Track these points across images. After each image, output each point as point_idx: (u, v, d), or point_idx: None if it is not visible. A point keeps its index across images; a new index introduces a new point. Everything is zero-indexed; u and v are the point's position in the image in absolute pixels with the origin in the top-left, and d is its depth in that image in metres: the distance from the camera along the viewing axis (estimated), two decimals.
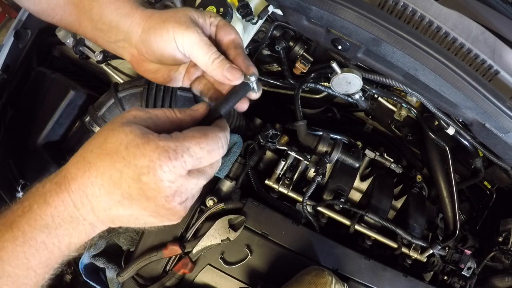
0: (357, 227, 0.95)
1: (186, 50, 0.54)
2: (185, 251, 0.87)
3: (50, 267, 0.48)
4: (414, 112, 1.00)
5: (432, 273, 1.02)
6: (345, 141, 1.03)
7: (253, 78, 0.54)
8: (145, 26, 0.56)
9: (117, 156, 0.43)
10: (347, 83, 0.83)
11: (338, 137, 1.01)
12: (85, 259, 1.01)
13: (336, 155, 0.92)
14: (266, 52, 1.05)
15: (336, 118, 1.26)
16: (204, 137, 0.46)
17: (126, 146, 0.43)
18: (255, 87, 0.56)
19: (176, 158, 0.43)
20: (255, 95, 0.58)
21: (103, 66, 1.03)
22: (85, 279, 1.02)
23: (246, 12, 0.81)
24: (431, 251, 0.96)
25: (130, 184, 0.43)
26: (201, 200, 0.88)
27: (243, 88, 0.55)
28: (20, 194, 0.94)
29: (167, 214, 0.47)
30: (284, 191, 0.95)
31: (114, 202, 0.45)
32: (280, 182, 0.95)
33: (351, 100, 0.95)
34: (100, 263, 0.99)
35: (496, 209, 1.17)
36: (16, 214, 0.46)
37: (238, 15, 0.83)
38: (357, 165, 0.83)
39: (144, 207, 0.45)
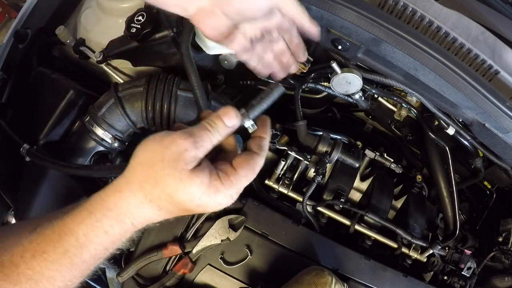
0: (357, 227, 0.95)
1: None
2: (185, 251, 0.87)
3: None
4: (414, 112, 1.00)
5: (432, 273, 1.02)
6: (345, 141, 1.03)
7: None
8: None
9: (190, 203, 0.50)
10: (347, 83, 0.83)
11: (338, 137, 1.01)
12: None
13: (336, 155, 0.92)
14: None
15: (336, 118, 1.25)
16: (253, 174, 0.53)
17: (200, 196, 0.49)
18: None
19: (234, 198, 0.53)
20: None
21: (103, 66, 1.03)
22: (85, 278, 1.02)
23: None
24: (431, 251, 0.96)
25: (197, 211, 0.52)
26: None
27: (277, 90, 0.53)
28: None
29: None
30: (284, 191, 0.95)
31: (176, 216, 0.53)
32: (280, 182, 0.95)
33: (351, 100, 0.95)
34: (100, 263, 0.99)
35: (496, 209, 1.17)
36: (68, 243, 0.50)
37: None
38: (357, 165, 0.84)
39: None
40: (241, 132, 0.53)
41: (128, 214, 0.50)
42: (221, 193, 0.51)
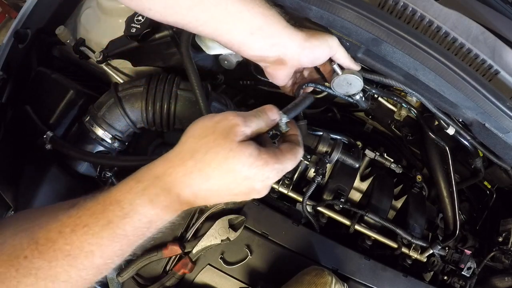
0: (357, 227, 0.95)
1: (336, 54, 0.73)
2: (185, 251, 0.87)
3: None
4: (414, 112, 1.00)
5: (432, 273, 1.02)
6: (345, 141, 1.03)
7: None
8: (303, 37, 0.69)
9: (239, 175, 0.51)
10: (348, 84, 0.83)
11: (338, 137, 1.01)
12: None
13: (336, 156, 0.92)
14: None
15: (336, 118, 1.26)
16: (295, 160, 0.56)
17: (249, 167, 0.51)
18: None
19: (280, 175, 0.54)
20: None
21: (103, 66, 1.03)
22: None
23: None
24: (431, 251, 0.96)
25: (242, 190, 0.53)
26: None
27: (309, 98, 0.66)
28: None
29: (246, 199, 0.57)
30: (284, 191, 0.95)
31: (219, 198, 0.54)
32: (280, 182, 0.95)
33: (351, 100, 0.95)
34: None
35: (496, 209, 1.17)
36: (113, 214, 0.50)
37: None
38: (357, 165, 0.84)
39: (239, 199, 0.55)
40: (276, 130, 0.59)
41: (176, 183, 0.51)
42: (269, 166, 0.52)
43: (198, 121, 0.54)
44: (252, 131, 0.53)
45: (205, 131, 0.52)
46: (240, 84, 1.09)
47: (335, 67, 0.76)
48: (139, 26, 0.86)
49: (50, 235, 0.50)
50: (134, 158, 0.88)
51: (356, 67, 0.77)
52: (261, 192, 0.55)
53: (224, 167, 0.50)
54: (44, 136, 0.90)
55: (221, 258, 0.87)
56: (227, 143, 0.50)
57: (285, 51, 0.69)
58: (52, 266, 0.49)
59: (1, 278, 0.47)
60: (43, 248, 0.49)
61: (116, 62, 1.05)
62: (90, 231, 0.49)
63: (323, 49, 0.71)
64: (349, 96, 0.84)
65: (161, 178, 0.51)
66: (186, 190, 0.51)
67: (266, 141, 0.56)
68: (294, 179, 0.97)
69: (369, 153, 1.05)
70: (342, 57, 0.75)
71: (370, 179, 1.06)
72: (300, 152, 0.57)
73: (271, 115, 0.57)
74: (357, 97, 0.86)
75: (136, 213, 0.50)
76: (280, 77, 0.75)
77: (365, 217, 0.96)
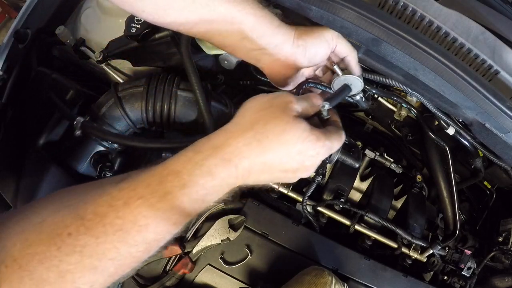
0: (357, 227, 0.95)
1: (337, 47, 0.70)
2: (185, 251, 0.87)
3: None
4: (414, 112, 1.00)
5: (432, 273, 1.02)
6: (345, 141, 1.03)
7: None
8: (297, 35, 0.68)
9: (293, 148, 0.53)
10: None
11: None
12: None
13: (336, 156, 0.92)
14: None
15: None
16: (341, 141, 0.61)
17: (303, 141, 0.53)
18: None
19: (328, 153, 0.58)
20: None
21: (103, 66, 1.02)
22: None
23: None
24: (431, 251, 0.96)
25: (293, 166, 0.55)
26: None
27: (348, 89, 0.70)
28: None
29: (293, 181, 0.59)
30: (284, 191, 0.95)
31: (269, 174, 0.55)
32: (280, 182, 0.95)
33: (351, 100, 0.95)
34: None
35: (496, 209, 1.17)
36: (171, 184, 0.49)
37: None
38: (357, 165, 0.84)
39: (286, 177, 0.57)
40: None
41: (236, 153, 0.51)
42: (321, 141, 0.55)
43: (253, 98, 0.57)
44: (302, 109, 0.57)
45: (262, 104, 0.55)
46: (240, 84, 1.09)
47: (335, 67, 0.76)
48: (139, 26, 0.86)
49: (98, 210, 0.47)
50: (178, 140, 0.86)
51: (356, 61, 0.74)
52: (309, 169, 0.57)
53: (281, 139, 0.52)
54: (75, 122, 0.88)
55: (221, 258, 0.87)
56: (284, 116, 0.53)
57: (279, 51, 0.68)
58: (100, 243, 0.46)
59: (40, 258, 0.45)
60: (90, 223, 0.46)
61: (116, 62, 1.05)
62: (145, 203, 0.47)
63: (319, 45, 0.68)
64: (349, 96, 0.84)
65: (221, 148, 0.51)
66: (244, 162, 0.52)
67: (313, 123, 0.58)
68: None
69: (369, 153, 1.05)
70: (344, 49, 0.71)
71: (370, 179, 1.06)
72: (343, 135, 0.62)
73: (315, 101, 0.60)
74: (358, 97, 0.86)
75: (194, 184, 0.49)
76: (279, 78, 0.73)
77: (365, 217, 0.96)
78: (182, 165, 0.50)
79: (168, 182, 0.49)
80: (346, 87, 0.70)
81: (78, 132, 0.88)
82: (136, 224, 0.47)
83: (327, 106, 0.61)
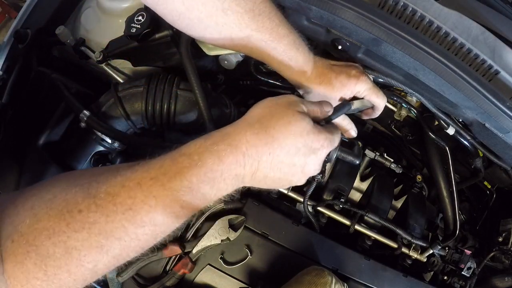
0: (357, 227, 0.95)
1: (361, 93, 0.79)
2: (185, 251, 0.87)
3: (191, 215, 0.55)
4: (414, 112, 1.00)
5: (432, 273, 1.02)
6: (345, 139, 1.03)
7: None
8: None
9: (300, 137, 0.56)
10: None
11: None
12: None
13: (335, 154, 0.92)
14: None
15: None
16: (339, 134, 0.65)
17: (308, 133, 0.57)
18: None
19: (332, 146, 0.62)
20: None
21: (103, 66, 1.02)
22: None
23: None
24: (431, 251, 0.96)
25: (300, 159, 0.57)
26: None
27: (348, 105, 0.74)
28: None
29: (301, 181, 0.62)
30: (284, 191, 0.95)
31: (278, 170, 0.57)
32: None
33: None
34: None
35: (496, 209, 1.17)
36: (182, 165, 0.51)
37: None
38: (357, 162, 0.83)
39: (295, 174, 0.59)
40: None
41: (243, 141, 0.54)
42: (323, 134, 0.59)
43: (261, 101, 0.60)
44: (308, 109, 0.60)
45: (268, 103, 0.59)
46: (240, 84, 1.09)
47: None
48: (139, 26, 0.86)
49: (111, 189, 0.48)
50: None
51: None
52: (316, 164, 0.61)
53: (287, 129, 0.55)
54: (80, 115, 0.89)
55: (221, 258, 0.87)
56: (290, 110, 0.57)
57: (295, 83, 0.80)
58: (109, 221, 0.47)
59: (48, 233, 0.45)
60: (101, 202, 0.48)
61: (116, 62, 1.05)
62: (157, 183, 0.49)
63: (337, 93, 0.79)
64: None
65: (230, 135, 0.54)
66: (251, 150, 0.54)
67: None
68: None
69: (369, 153, 1.05)
70: (376, 101, 0.81)
71: (370, 179, 1.06)
72: (339, 133, 0.66)
73: (326, 107, 0.65)
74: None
75: (204, 165, 0.51)
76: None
77: (365, 217, 0.96)
78: (193, 149, 0.53)
79: (179, 163, 0.51)
80: (346, 104, 0.75)
81: (83, 125, 0.89)
82: (146, 203, 0.49)
83: (333, 116, 0.67)
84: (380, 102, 0.81)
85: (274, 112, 0.57)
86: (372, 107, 0.84)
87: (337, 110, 0.70)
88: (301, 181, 0.62)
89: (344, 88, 0.78)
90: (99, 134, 0.92)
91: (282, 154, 0.56)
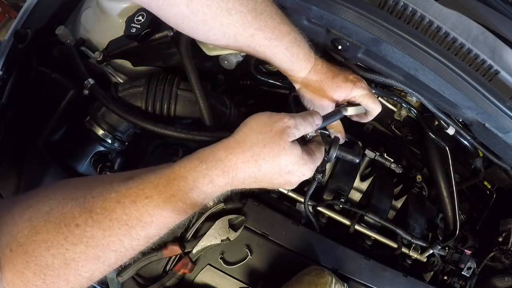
0: (357, 227, 0.95)
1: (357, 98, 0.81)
2: (185, 251, 0.87)
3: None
4: (414, 112, 1.00)
5: (432, 273, 1.02)
6: (346, 139, 1.03)
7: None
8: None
9: (284, 169, 0.61)
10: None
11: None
12: None
13: (334, 152, 0.92)
14: None
15: None
16: (321, 156, 0.70)
17: (293, 164, 0.62)
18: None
19: (312, 172, 0.67)
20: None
21: (103, 66, 1.02)
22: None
23: None
24: (431, 251, 0.96)
25: (280, 181, 0.64)
26: None
27: (340, 113, 0.79)
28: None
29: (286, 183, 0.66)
30: (284, 191, 0.95)
31: (257, 186, 0.63)
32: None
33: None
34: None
35: (496, 209, 1.17)
36: (177, 187, 0.55)
37: None
38: (357, 160, 0.84)
39: (270, 186, 0.66)
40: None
41: (234, 168, 0.58)
42: (307, 165, 0.64)
43: (258, 116, 0.63)
44: (300, 134, 0.63)
45: (263, 127, 0.61)
46: (240, 84, 1.09)
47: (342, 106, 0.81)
48: (139, 26, 0.86)
49: (106, 205, 0.51)
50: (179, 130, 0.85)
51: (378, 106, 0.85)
52: (293, 185, 0.66)
53: (275, 162, 0.59)
54: (85, 82, 0.90)
55: (221, 258, 0.87)
56: (281, 141, 0.60)
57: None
58: (106, 235, 0.50)
59: (47, 245, 0.48)
60: (98, 217, 0.50)
61: (116, 62, 1.05)
62: (152, 203, 0.53)
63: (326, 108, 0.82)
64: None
65: (223, 162, 0.58)
66: (240, 175, 0.59)
67: (303, 139, 0.68)
68: None
69: (369, 153, 1.05)
70: (372, 107, 0.83)
71: (370, 179, 1.06)
72: (323, 150, 0.71)
73: (317, 120, 0.68)
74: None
75: (197, 189, 0.56)
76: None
77: (365, 217, 0.96)
78: (188, 172, 0.56)
79: (175, 185, 0.55)
80: (337, 111, 0.78)
81: (86, 92, 0.90)
82: (142, 220, 0.52)
83: (322, 124, 0.71)
84: (374, 108, 0.82)
85: (266, 142, 0.59)
86: (365, 112, 0.85)
87: (327, 118, 0.73)
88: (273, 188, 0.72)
89: (339, 90, 0.79)
90: (99, 134, 0.92)
91: (266, 179, 0.62)
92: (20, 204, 0.52)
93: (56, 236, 0.48)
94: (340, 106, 0.81)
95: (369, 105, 0.81)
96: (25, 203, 0.52)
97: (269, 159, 0.59)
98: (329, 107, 0.82)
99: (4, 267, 0.47)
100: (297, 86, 0.83)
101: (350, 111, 0.80)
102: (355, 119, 0.90)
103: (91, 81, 0.90)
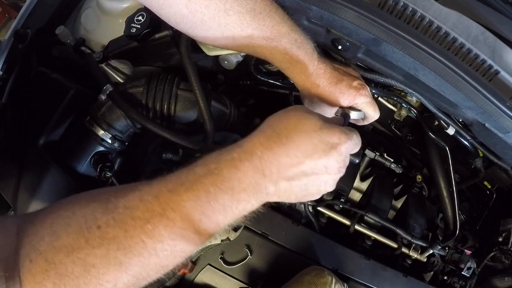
0: (357, 227, 0.95)
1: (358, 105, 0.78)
2: None
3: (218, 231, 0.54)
4: (414, 112, 1.00)
5: (432, 273, 1.02)
6: None
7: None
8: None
9: (313, 133, 0.54)
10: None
11: None
12: None
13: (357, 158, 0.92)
14: None
15: None
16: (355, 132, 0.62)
17: (320, 127, 0.54)
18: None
19: (349, 140, 0.57)
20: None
21: (103, 66, 1.02)
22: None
23: None
24: (431, 251, 0.96)
25: (321, 155, 0.54)
26: None
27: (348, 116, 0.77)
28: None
29: (330, 185, 0.59)
30: None
31: (300, 173, 0.54)
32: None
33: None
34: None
35: (496, 209, 1.17)
36: (198, 174, 0.51)
37: None
38: (357, 160, 0.84)
39: (320, 176, 0.56)
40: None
41: (257, 145, 0.53)
42: (337, 128, 0.56)
43: (267, 118, 0.58)
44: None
45: (274, 115, 0.58)
46: (240, 84, 1.09)
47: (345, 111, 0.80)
48: (139, 26, 0.86)
49: (129, 204, 0.48)
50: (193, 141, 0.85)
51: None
52: (339, 161, 0.56)
53: (297, 127, 0.54)
54: (104, 88, 0.88)
55: (221, 258, 0.87)
56: (297, 112, 0.57)
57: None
58: (128, 236, 0.46)
59: (67, 251, 0.45)
60: (120, 216, 0.47)
61: (116, 62, 1.04)
62: (174, 194, 0.49)
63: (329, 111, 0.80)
64: None
65: (244, 142, 0.54)
66: (267, 153, 0.52)
67: None
68: None
69: (369, 153, 1.05)
70: (372, 114, 0.81)
71: (370, 179, 1.06)
72: (357, 132, 0.66)
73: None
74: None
75: (220, 173, 0.51)
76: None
77: (365, 217, 0.96)
78: (209, 159, 0.53)
79: (195, 172, 0.51)
80: (346, 115, 0.77)
81: (102, 97, 0.89)
82: (165, 216, 0.48)
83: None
84: (374, 116, 0.82)
85: (282, 117, 0.56)
86: (363, 118, 0.85)
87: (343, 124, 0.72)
88: (329, 184, 0.58)
89: (342, 96, 0.77)
90: (99, 134, 0.92)
91: (300, 154, 0.53)
92: (42, 214, 0.50)
93: (77, 240, 0.46)
94: (344, 109, 0.80)
95: (369, 113, 0.81)
96: (47, 211, 0.50)
97: (290, 126, 0.55)
98: (330, 112, 0.82)
99: (24, 280, 0.44)
100: (298, 87, 0.83)
101: (352, 116, 0.80)
102: (351, 121, 0.90)
103: (110, 87, 0.88)
